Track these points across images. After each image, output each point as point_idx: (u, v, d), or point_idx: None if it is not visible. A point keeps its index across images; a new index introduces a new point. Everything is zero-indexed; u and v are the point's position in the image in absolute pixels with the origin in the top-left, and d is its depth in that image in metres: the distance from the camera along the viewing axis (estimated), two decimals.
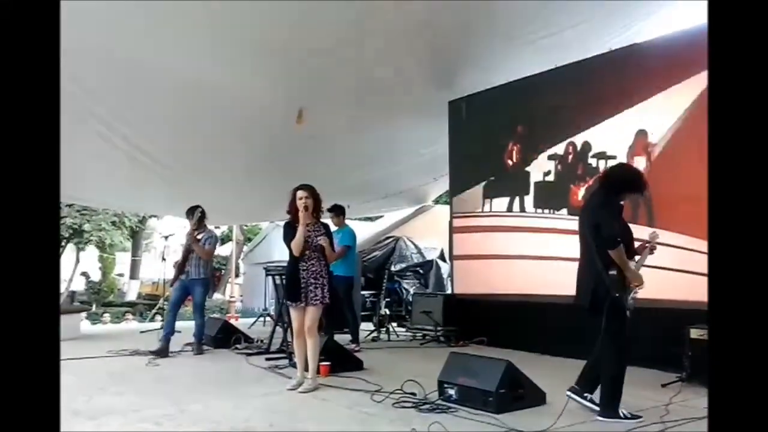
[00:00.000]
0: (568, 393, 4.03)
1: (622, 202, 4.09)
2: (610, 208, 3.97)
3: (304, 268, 4.81)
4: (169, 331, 6.78)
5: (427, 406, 4.17)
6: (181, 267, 6.98)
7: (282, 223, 5.51)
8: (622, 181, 4.06)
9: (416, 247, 11.55)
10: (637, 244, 4.14)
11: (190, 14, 5.66)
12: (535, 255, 7.08)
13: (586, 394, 4.00)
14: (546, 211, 7.12)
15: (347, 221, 7.60)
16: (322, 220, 5.06)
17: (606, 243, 3.81)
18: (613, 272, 3.81)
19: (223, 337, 7.32)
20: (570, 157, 6.92)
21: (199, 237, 6.99)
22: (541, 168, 7.24)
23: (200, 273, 6.94)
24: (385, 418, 3.97)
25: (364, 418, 4.00)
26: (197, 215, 6.99)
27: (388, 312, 9.25)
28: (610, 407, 3.83)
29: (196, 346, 6.92)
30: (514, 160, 7.60)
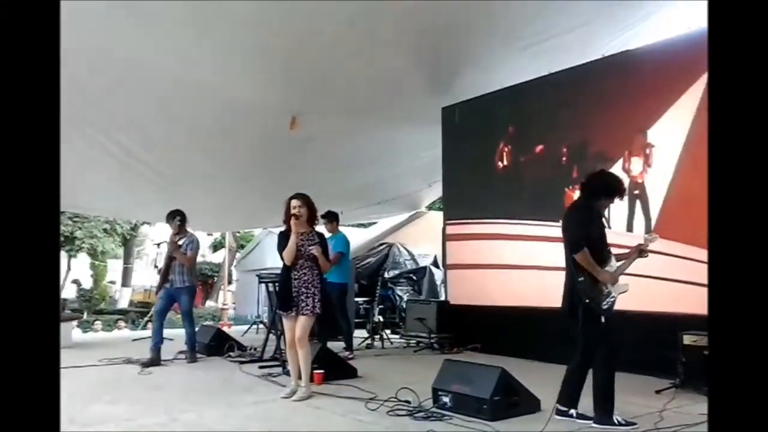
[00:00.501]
0: (556, 417, 3.95)
1: (602, 209, 4.11)
2: (583, 212, 4.01)
3: (296, 277, 4.79)
4: (158, 340, 6.69)
5: (421, 413, 4.16)
6: (164, 275, 6.87)
7: (276, 230, 5.50)
8: (599, 187, 4.08)
9: (410, 253, 11.51)
10: (628, 249, 4.16)
11: (189, 16, 5.63)
12: (529, 264, 7.06)
13: (572, 411, 3.97)
14: (539, 217, 7.11)
15: (340, 228, 7.59)
16: (316, 228, 5.05)
17: (571, 247, 3.88)
18: (581, 278, 3.83)
19: (216, 344, 7.28)
20: (564, 159, 6.92)
21: (180, 243, 6.90)
22: (533, 171, 7.24)
23: (184, 281, 6.84)
24: (379, 426, 3.96)
25: (358, 426, 3.99)
26: (176, 221, 6.91)
27: (381, 319, 9.24)
28: (604, 414, 3.83)
29: (189, 354, 6.87)
30: (506, 162, 7.61)
